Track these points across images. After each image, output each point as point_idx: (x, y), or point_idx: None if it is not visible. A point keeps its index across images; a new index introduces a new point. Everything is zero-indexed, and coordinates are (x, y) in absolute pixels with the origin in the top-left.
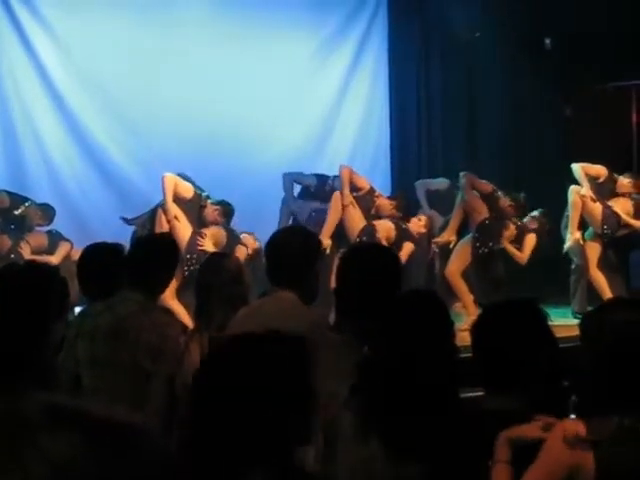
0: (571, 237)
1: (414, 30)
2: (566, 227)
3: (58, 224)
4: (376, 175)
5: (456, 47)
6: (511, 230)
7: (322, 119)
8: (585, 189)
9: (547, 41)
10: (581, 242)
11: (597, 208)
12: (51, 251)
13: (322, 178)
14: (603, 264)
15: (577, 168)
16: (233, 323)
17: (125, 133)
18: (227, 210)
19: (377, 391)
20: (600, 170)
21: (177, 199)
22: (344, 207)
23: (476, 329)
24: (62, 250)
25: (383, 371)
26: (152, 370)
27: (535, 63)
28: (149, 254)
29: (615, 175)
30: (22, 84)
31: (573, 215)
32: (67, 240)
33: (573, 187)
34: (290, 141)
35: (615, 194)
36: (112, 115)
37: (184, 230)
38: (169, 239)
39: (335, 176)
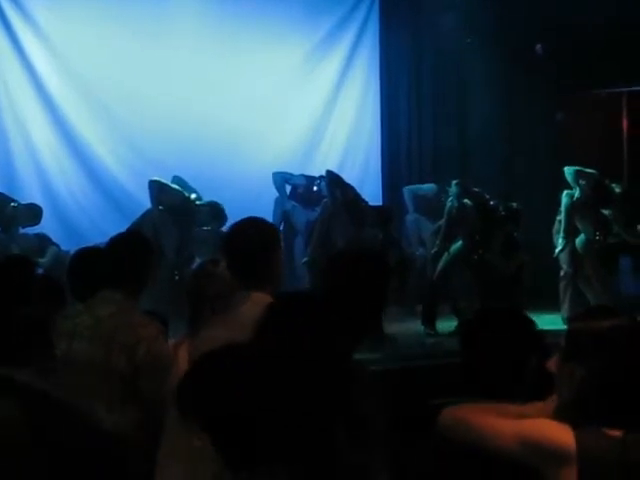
0: (562, 241)
1: (405, 37)
2: (558, 232)
3: (48, 227)
4: (367, 181)
5: (447, 53)
6: (501, 238)
7: (313, 125)
8: (578, 193)
9: (538, 47)
10: (572, 247)
11: (589, 213)
12: (40, 253)
13: (310, 179)
14: (593, 270)
15: (571, 171)
16: (210, 332)
17: (116, 138)
18: (217, 211)
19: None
20: (593, 175)
21: (164, 203)
22: (332, 215)
23: (465, 337)
24: (51, 253)
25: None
26: (127, 370)
27: (527, 69)
28: (122, 252)
29: (607, 182)
30: (14, 89)
31: (565, 219)
32: (55, 244)
33: (566, 191)
34: (280, 148)
35: (607, 201)
36: (103, 120)
37: (171, 235)
38: (140, 236)
39: (322, 176)
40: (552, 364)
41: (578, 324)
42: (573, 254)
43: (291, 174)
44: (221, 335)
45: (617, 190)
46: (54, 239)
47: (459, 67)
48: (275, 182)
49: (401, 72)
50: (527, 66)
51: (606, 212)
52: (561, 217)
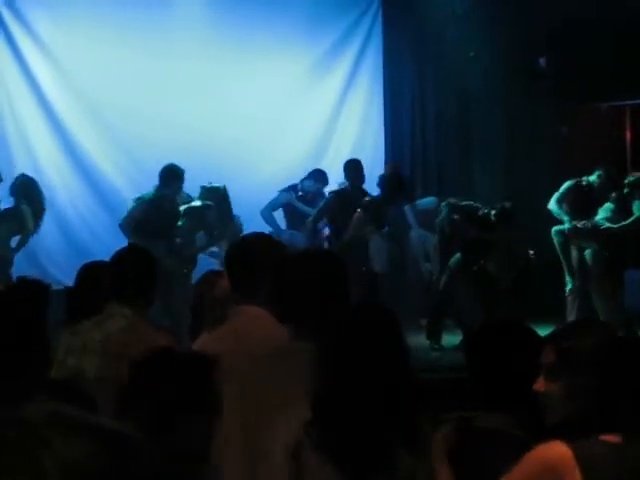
0: (570, 280)
1: (409, 50)
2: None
3: (52, 242)
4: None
5: (451, 65)
6: (499, 246)
7: (317, 138)
8: (567, 223)
9: (542, 60)
10: (580, 260)
11: (588, 233)
12: (23, 226)
13: (291, 189)
14: (601, 283)
15: (552, 205)
16: (205, 344)
17: (118, 150)
18: (217, 193)
19: (333, 426)
20: (570, 189)
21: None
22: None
23: (473, 349)
24: (25, 215)
25: (336, 404)
26: None
27: (530, 82)
28: (127, 266)
29: (584, 183)
30: (17, 105)
31: (564, 258)
32: (23, 204)
33: (555, 228)
34: (284, 160)
35: (588, 208)
36: (106, 135)
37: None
38: (142, 249)
39: (305, 179)
40: (539, 385)
41: (566, 343)
42: (580, 267)
43: (274, 200)
44: (215, 347)
45: (594, 179)
46: (59, 254)
47: (462, 78)
48: (265, 219)
49: (404, 85)
50: (530, 79)
51: (603, 223)
52: (559, 254)
